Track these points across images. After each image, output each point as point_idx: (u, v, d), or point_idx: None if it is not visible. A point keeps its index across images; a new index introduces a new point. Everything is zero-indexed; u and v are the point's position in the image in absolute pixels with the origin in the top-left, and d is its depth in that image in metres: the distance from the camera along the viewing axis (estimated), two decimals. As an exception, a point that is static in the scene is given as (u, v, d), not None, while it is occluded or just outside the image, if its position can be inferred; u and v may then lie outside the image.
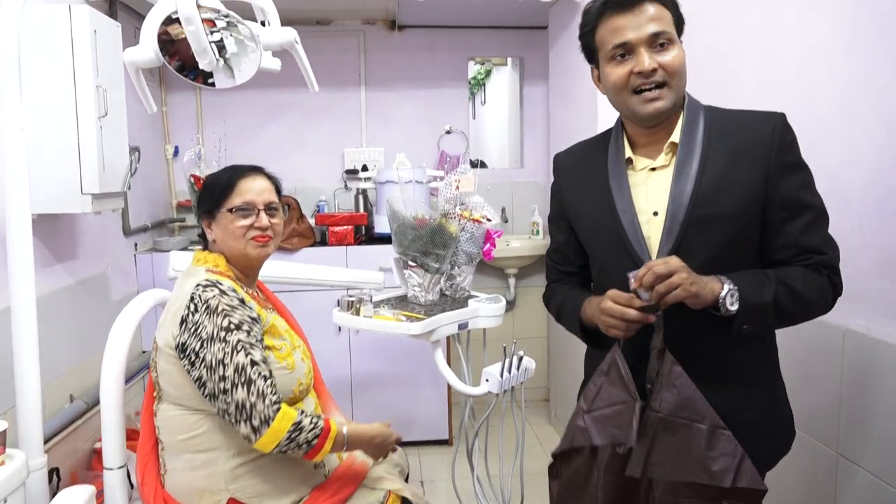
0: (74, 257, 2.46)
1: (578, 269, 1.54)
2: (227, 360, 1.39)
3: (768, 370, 1.38)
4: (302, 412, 1.44)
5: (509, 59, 4.03)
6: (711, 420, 1.18)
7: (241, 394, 1.37)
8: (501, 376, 2.00)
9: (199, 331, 1.41)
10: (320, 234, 3.29)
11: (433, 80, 3.76)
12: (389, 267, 2.37)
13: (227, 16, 1.31)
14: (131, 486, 1.84)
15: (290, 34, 1.40)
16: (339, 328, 3.14)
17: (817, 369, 1.69)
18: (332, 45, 3.65)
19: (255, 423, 1.37)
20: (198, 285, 1.46)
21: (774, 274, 1.26)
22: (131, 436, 2.00)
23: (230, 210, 1.56)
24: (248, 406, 1.37)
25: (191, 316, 1.43)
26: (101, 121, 2.09)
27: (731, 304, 1.20)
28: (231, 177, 1.60)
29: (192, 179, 2.66)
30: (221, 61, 1.31)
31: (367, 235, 3.37)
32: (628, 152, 1.36)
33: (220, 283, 1.46)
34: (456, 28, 3.73)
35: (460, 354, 2.21)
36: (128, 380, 2.61)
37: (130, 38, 2.69)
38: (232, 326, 1.41)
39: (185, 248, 3.16)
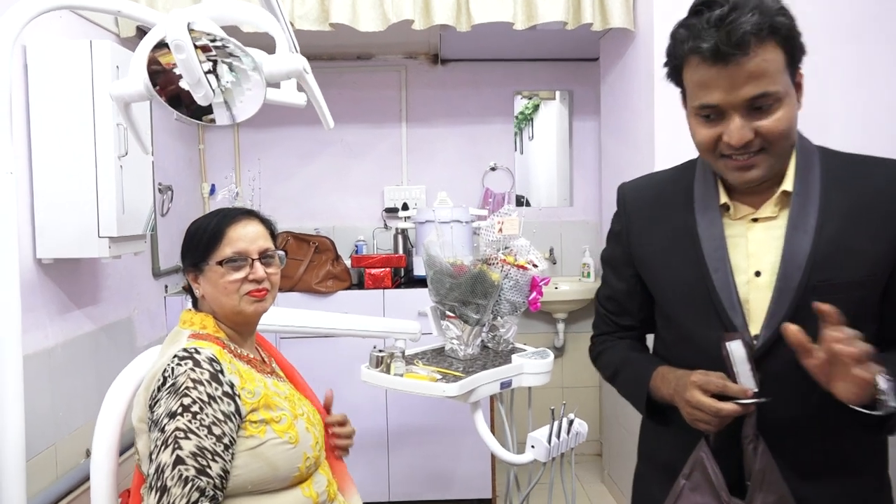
0: (96, 302, 2.34)
1: (639, 322, 1.30)
2: (153, 455, 1.19)
3: (878, 454, 1.15)
4: None
5: (557, 93, 3.85)
6: None
7: (152, 500, 1.16)
8: (549, 443, 1.78)
9: (154, 408, 1.23)
10: (357, 276, 3.13)
11: (477, 116, 3.61)
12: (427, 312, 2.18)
13: (223, 41, 1.14)
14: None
15: (299, 62, 1.22)
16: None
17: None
18: (373, 80, 3.54)
19: None
20: (174, 357, 1.27)
21: None
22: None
23: (220, 263, 1.36)
24: None
25: (157, 392, 1.25)
26: (121, 160, 1.97)
27: (892, 401, 0.97)
28: (219, 223, 1.39)
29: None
30: (220, 94, 1.15)
31: (405, 278, 3.19)
32: (724, 197, 1.12)
33: (199, 352, 1.27)
34: (501, 61, 3.57)
35: (503, 416, 1.99)
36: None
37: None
38: (179, 410, 1.20)
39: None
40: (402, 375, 1.79)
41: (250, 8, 1.29)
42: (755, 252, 1.09)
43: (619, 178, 3.14)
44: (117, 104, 1.31)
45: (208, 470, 1.18)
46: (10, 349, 1.35)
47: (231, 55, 1.16)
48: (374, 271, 3.02)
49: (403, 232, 3.32)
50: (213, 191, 3.47)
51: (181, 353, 1.27)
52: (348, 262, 3.13)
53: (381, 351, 1.87)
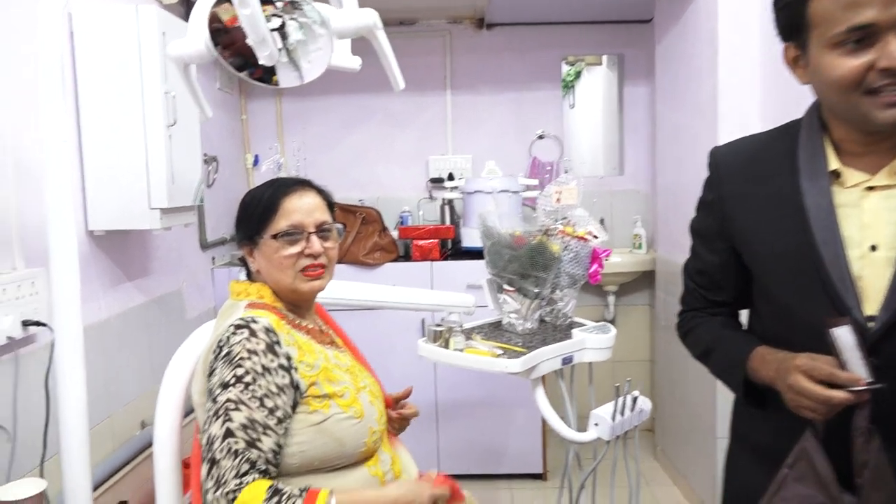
0: (147, 274, 2.32)
1: (732, 298, 1.21)
2: (205, 426, 1.15)
3: None
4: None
5: (605, 59, 3.71)
6: None
7: (202, 471, 1.13)
8: (613, 420, 1.71)
9: (211, 378, 1.19)
10: (404, 247, 3.07)
11: (524, 82, 3.49)
12: (478, 284, 2.11)
13: (290, -7, 1.06)
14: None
15: (370, 17, 1.13)
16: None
17: None
18: (417, 46, 3.44)
19: None
20: (230, 325, 1.22)
21: None
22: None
23: (274, 236, 1.30)
24: (203, 490, 1.11)
25: (213, 361, 1.20)
26: (170, 130, 1.93)
27: None
28: (274, 194, 1.33)
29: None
30: (285, 53, 1.07)
31: (453, 250, 3.12)
32: (834, 163, 1.02)
33: (255, 322, 1.21)
34: (548, 25, 3.44)
35: (563, 392, 1.92)
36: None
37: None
38: (232, 380, 1.15)
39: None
40: (462, 350, 1.73)
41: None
42: (870, 223, 0.98)
43: (676, 146, 3.02)
44: (177, 66, 1.24)
45: (258, 443, 1.14)
46: (71, 321, 1.32)
47: (297, 8, 1.07)
48: (421, 243, 2.96)
49: (450, 202, 3.24)
50: (256, 161, 3.43)
51: (238, 322, 1.22)
52: (394, 234, 3.07)
53: (438, 325, 1.81)
